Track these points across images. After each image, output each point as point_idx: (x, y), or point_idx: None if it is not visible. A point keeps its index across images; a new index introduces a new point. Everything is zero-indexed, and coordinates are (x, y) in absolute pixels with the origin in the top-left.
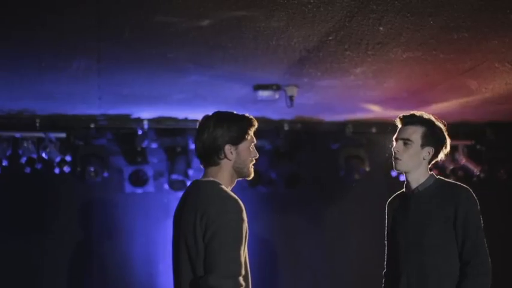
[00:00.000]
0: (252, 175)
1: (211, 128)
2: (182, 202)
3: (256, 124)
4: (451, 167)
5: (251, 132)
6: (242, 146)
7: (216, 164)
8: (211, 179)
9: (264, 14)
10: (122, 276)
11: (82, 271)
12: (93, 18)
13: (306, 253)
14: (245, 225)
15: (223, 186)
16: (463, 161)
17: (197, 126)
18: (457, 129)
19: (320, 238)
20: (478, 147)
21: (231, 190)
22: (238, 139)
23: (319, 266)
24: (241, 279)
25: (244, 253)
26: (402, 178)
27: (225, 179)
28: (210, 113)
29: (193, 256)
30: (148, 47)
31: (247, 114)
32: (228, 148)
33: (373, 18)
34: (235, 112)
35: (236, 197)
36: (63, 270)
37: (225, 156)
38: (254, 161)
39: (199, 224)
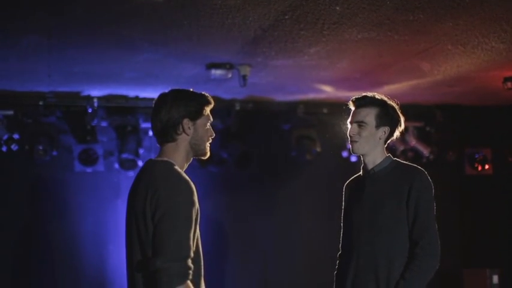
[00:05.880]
0: (208, 154)
1: (169, 104)
2: (136, 181)
3: (213, 103)
4: (402, 148)
5: (208, 109)
6: (200, 122)
7: (173, 140)
8: (166, 159)
9: None
10: (71, 257)
11: (30, 251)
12: None
13: (256, 234)
14: (196, 207)
15: (176, 167)
16: (413, 142)
17: (154, 104)
18: (407, 110)
19: (271, 219)
20: (427, 129)
21: (186, 170)
22: (196, 114)
23: (269, 246)
24: (189, 261)
25: (195, 236)
26: (353, 159)
27: (180, 156)
28: (166, 91)
29: (143, 237)
30: (102, 23)
31: (204, 93)
32: (185, 122)
33: None
34: (192, 90)
35: (188, 179)
36: (9, 250)
37: (183, 131)
38: (210, 140)
39: (149, 204)
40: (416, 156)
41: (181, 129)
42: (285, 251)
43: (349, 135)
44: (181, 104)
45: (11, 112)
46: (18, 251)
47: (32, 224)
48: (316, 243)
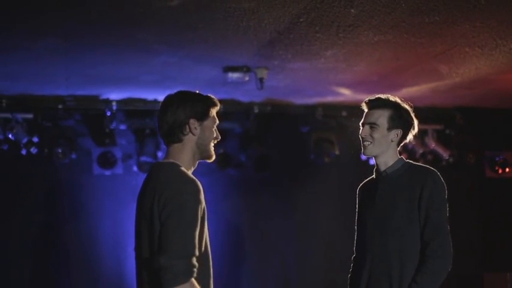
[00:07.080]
0: (214, 157)
1: (176, 105)
2: (144, 184)
3: (219, 105)
4: (421, 151)
5: (214, 111)
6: (206, 123)
7: (180, 140)
8: (171, 160)
9: None
10: (89, 259)
11: (48, 253)
12: None
13: (274, 236)
14: (202, 206)
15: (182, 168)
16: (432, 145)
17: (160, 105)
18: (427, 113)
19: (289, 221)
20: (447, 131)
21: (193, 172)
22: (202, 115)
23: (287, 249)
24: (194, 259)
25: (204, 234)
26: (372, 162)
27: (187, 157)
28: (172, 93)
29: (152, 237)
30: (117, 26)
31: (210, 95)
32: (192, 122)
33: (345, 0)
34: (198, 91)
35: (194, 178)
36: (28, 252)
37: (190, 131)
38: (216, 142)
39: (157, 205)
40: (436, 159)
41: (187, 130)
42: (304, 253)
43: (361, 137)
44: (187, 105)
45: (30, 115)
46: (36, 253)
47: (51, 226)
48: (334, 246)
